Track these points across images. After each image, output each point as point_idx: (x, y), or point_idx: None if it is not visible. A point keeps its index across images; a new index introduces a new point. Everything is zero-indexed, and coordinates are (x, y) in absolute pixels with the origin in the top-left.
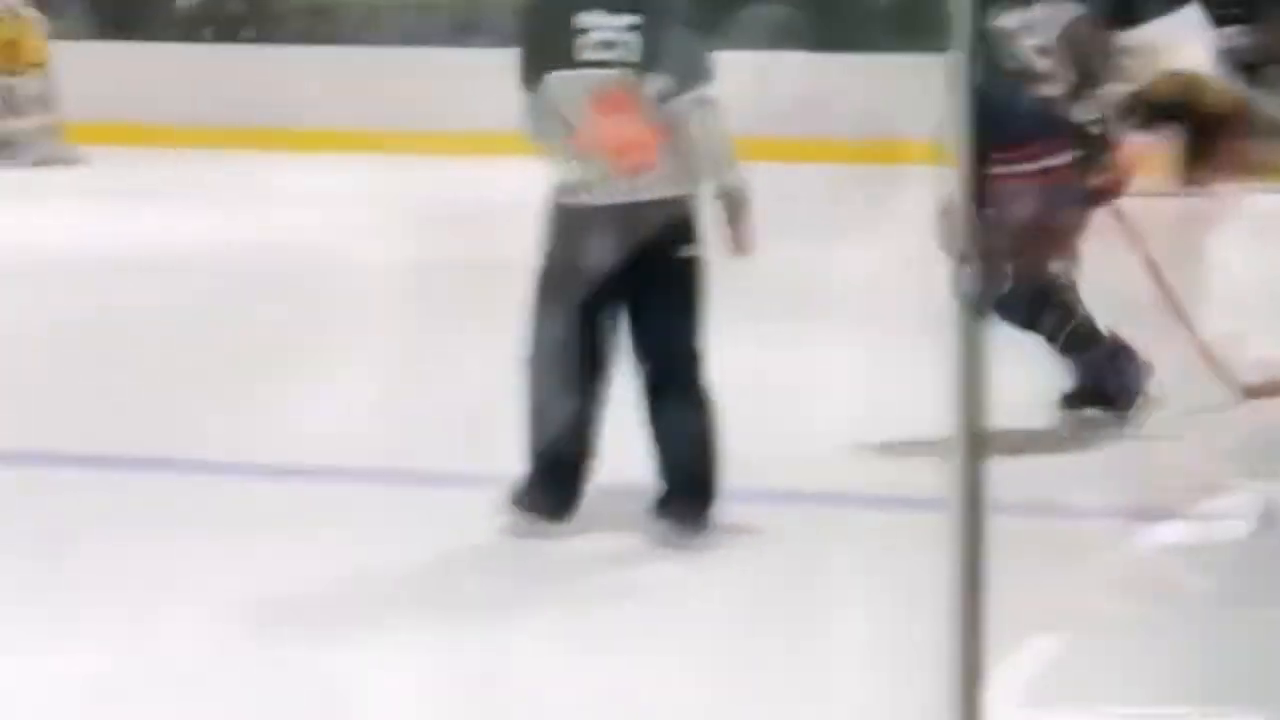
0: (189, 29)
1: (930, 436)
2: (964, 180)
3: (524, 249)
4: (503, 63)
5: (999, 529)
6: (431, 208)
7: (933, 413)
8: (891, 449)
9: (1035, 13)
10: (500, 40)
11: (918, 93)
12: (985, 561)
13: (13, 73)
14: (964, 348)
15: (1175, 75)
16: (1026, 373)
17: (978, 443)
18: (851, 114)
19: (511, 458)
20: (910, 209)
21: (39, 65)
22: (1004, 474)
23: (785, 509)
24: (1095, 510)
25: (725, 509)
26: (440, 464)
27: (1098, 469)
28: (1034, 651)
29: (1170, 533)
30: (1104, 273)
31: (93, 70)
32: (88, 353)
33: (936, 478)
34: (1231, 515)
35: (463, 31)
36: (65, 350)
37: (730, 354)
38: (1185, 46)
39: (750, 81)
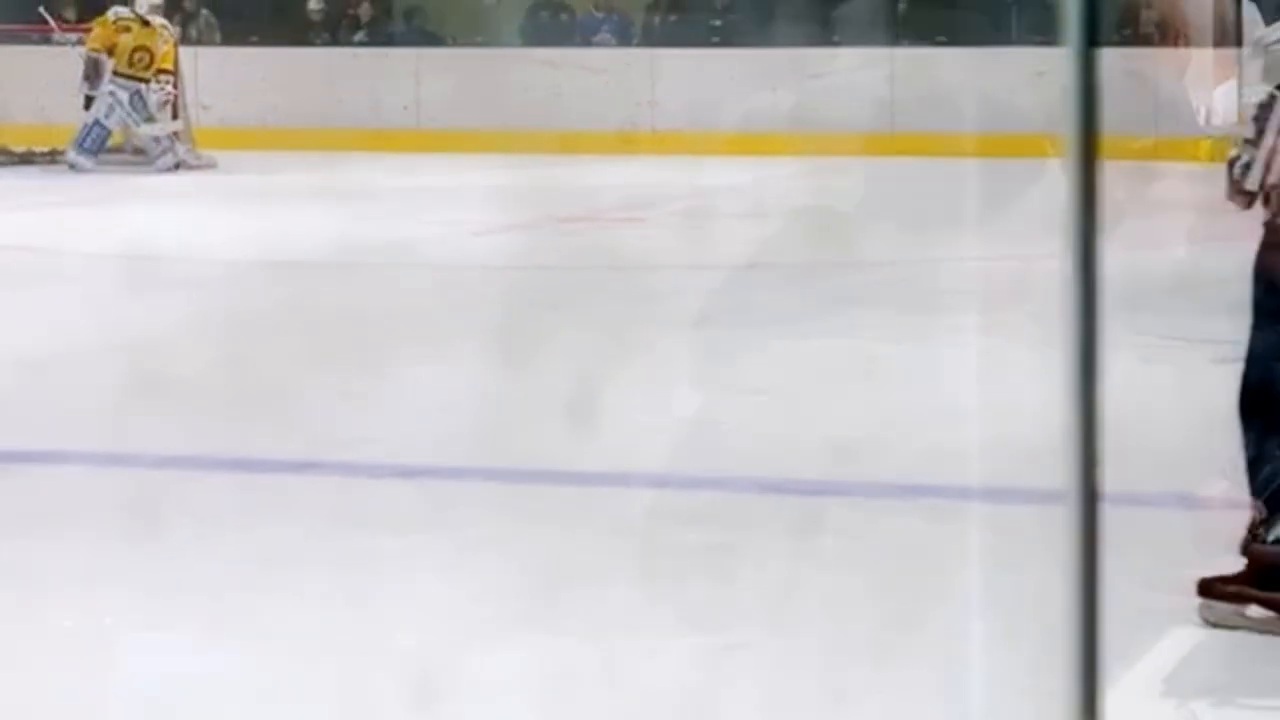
0: (317, 33)
1: (1050, 428)
2: (1077, 176)
3: (638, 250)
4: (622, 62)
5: (1127, 521)
6: (551, 207)
7: (1051, 405)
8: (1011, 441)
9: None
10: (621, 39)
11: (1044, 86)
12: (1101, 554)
13: (144, 79)
14: (1080, 339)
15: None
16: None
17: (1092, 431)
18: (973, 107)
19: (630, 457)
20: (1036, 204)
21: (169, 71)
22: (1134, 466)
23: (904, 501)
24: (1231, 501)
25: (839, 501)
26: (558, 464)
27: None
28: (1168, 645)
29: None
30: None
31: (222, 75)
32: (221, 352)
33: (1053, 469)
34: None
35: (583, 31)
36: (202, 350)
37: (847, 345)
38: None
39: (867, 76)
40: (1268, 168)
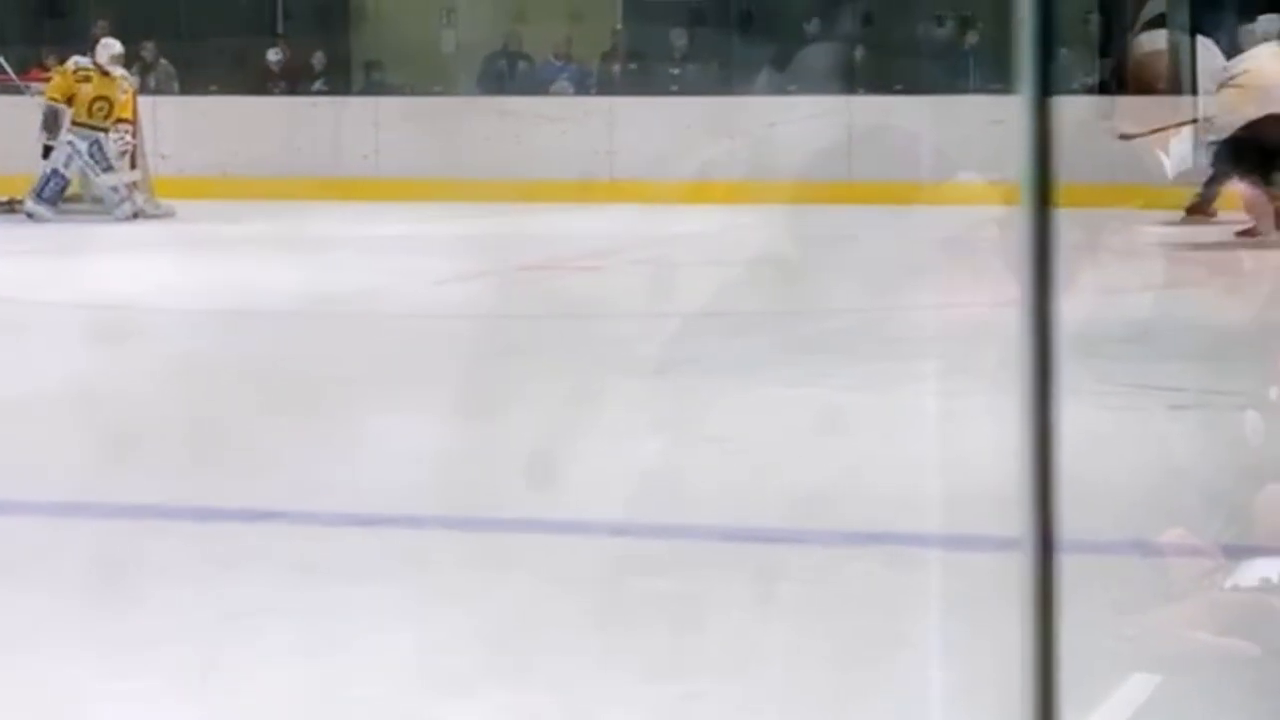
0: (275, 82)
1: (1007, 475)
2: (1032, 224)
3: (598, 298)
4: (581, 111)
5: (1085, 568)
6: (511, 256)
7: (1005, 450)
8: (970, 488)
9: None
10: (580, 88)
11: (1001, 134)
12: (1058, 601)
13: (103, 129)
14: (1036, 386)
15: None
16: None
17: (1048, 478)
18: (929, 155)
19: (589, 506)
20: (993, 251)
21: (128, 121)
22: (1092, 512)
23: (860, 549)
24: (1187, 548)
25: (799, 549)
26: (518, 512)
27: (1189, 507)
28: (1125, 693)
29: (1267, 569)
30: None
31: (181, 124)
32: (182, 402)
33: (1011, 516)
34: None
35: (542, 80)
36: (158, 399)
37: (805, 394)
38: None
39: (824, 125)
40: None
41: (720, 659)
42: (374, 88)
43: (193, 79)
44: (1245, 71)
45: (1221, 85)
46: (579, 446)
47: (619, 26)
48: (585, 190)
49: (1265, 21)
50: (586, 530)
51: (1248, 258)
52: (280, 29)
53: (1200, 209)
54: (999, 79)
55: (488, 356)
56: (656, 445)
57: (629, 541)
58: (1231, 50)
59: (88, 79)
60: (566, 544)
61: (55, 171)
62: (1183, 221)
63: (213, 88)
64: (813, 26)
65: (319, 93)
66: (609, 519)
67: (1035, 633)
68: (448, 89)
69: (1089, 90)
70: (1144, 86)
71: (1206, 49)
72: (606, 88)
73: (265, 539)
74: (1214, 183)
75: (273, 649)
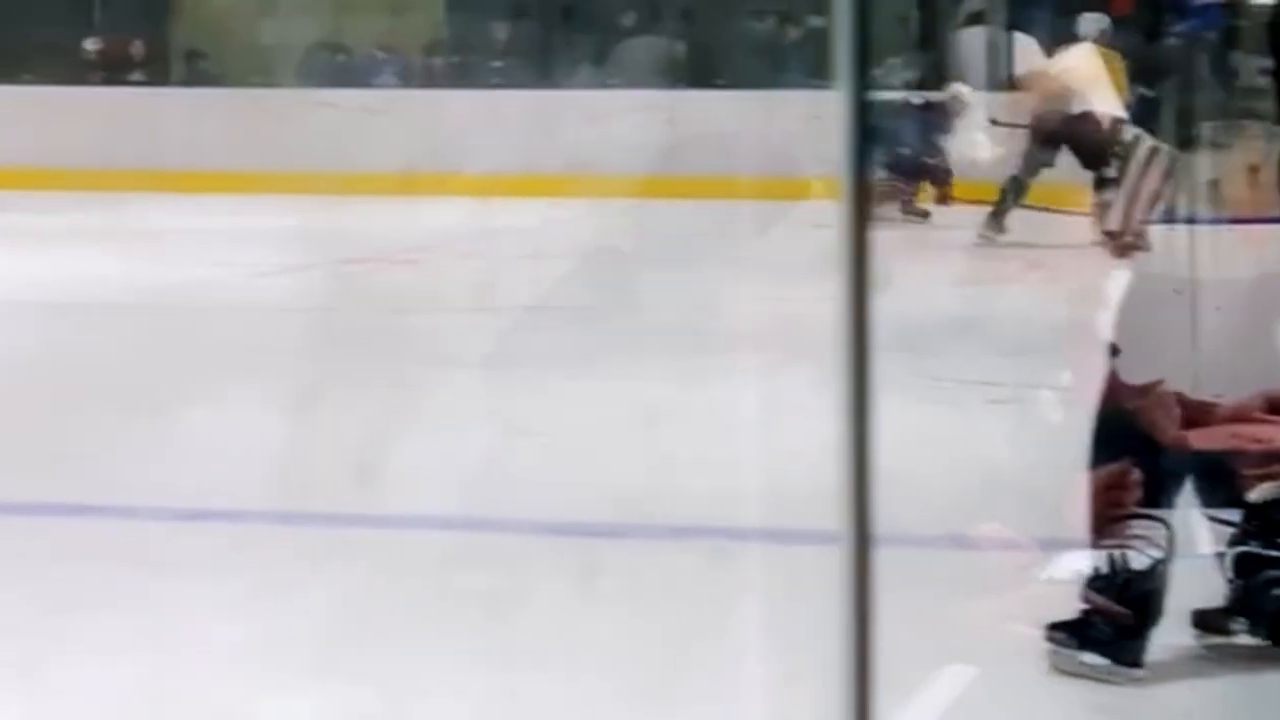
0: (93, 72)
1: (824, 469)
2: (849, 218)
3: (422, 292)
4: (403, 103)
5: (904, 561)
6: (333, 249)
7: (825, 445)
8: (787, 482)
9: None
10: (404, 81)
11: (816, 129)
12: (875, 595)
13: None
14: (853, 381)
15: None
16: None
17: (865, 474)
18: (750, 151)
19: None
20: (814, 246)
21: None
22: (911, 506)
23: (681, 544)
24: (1003, 541)
25: (623, 543)
26: (343, 506)
27: (1004, 501)
28: (943, 683)
29: (1079, 561)
30: None
31: None
32: None
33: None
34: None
35: (365, 73)
36: None
37: (627, 388)
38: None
39: (646, 119)
40: (1128, 211)
41: (544, 652)
42: (194, 78)
43: (7, 68)
44: (1063, 70)
45: (1037, 83)
46: (404, 441)
47: (441, 19)
48: (408, 184)
49: (1086, 22)
50: (412, 524)
51: (1066, 254)
52: (98, 18)
53: (1005, 206)
54: (821, 74)
55: (312, 350)
56: (481, 440)
57: (454, 535)
58: (1052, 48)
59: None
60: (392, 538)
61: None
62: (991, 215)
63: (27, 76)
64: (629, 20)
65: (138, 83)
66: (435, 513)
67: (852, 625)
68: (269, 80)
69: (909, 87)
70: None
71: (1025, 47)
72: (429, 81)
73: (88, 534)
74: (1022, 178)
75: (97, 644)
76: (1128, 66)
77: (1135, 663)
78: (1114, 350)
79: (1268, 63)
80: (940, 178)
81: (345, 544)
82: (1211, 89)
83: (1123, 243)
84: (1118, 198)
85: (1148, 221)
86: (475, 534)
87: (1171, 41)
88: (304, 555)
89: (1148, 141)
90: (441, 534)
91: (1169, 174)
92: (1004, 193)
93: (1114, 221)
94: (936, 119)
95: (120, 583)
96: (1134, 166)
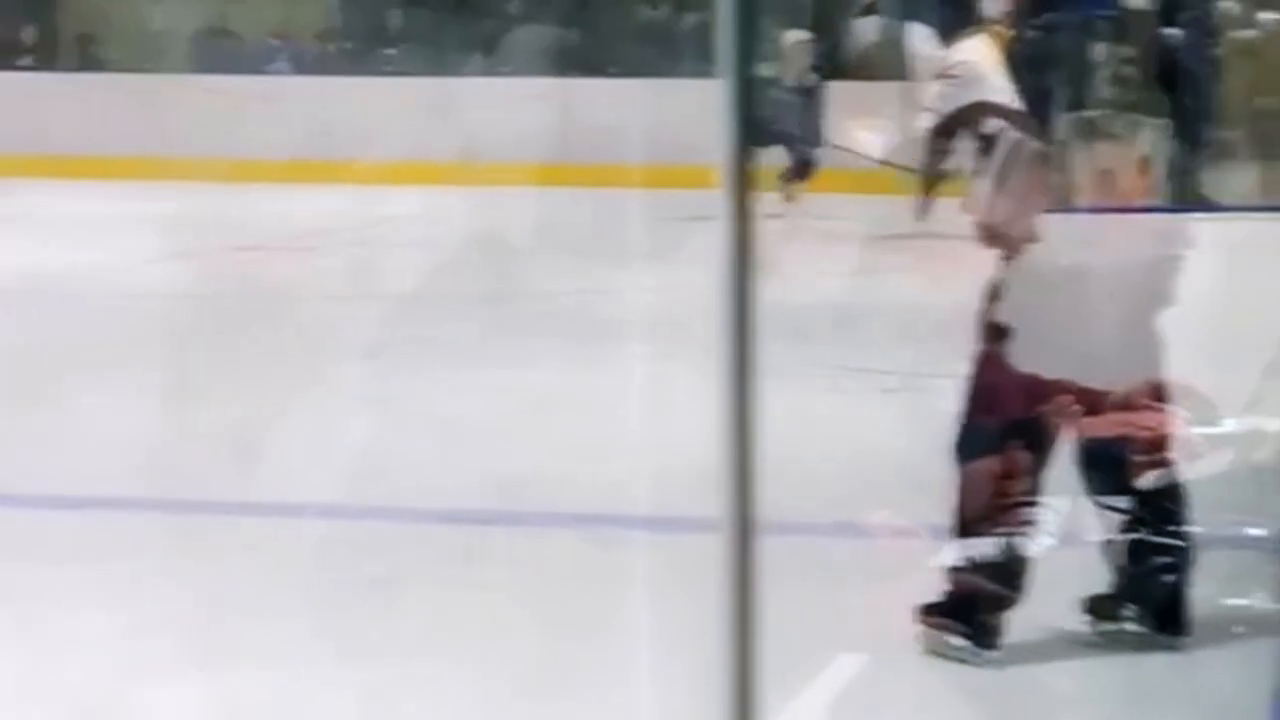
0: None
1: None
2: (732, 207)
3: (310, 280)
4: (295, 90)
5: (793, 549)
6: (222, 236)
7: (711, 432)
8: (674, 470)
9: None
10: (297, 68)
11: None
12: (758, 582)
13: None
14: (736, 369)
15: None
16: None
17: (748, 462)
18: (642, 139)
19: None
20: (704, 235)
21: None
22: (802, 494)
23: (566, 531)
24: (894, 529)
25: (507, 530)
26: (226, 494)
27: (895, 488)
28: (832, 671)
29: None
30: None
31: None
32: None
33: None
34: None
35: (258, 59)
36: None
37: (512, 376)
38: None
39: (538, 107)
40: (993, 203)
41: (428, 639)
42: (85, 63)
43: None
44: (961, 62)
45: (938, 75)
46: (289, 429)
47: (334, 6)
48: (298, 171)
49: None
50: (296, 512)
51: (960, 243)
52: None
53: (922, 195)
54: (713, 62)
55: (198, 338)
56: (367, 428)
57: (338, 524)
58: (948, 38)
59: None
60: (275, 526)
61: None
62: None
63: None
64: (516, 7)
65: (27, 68)
66: (318, 501)
67: (734, 612)
68: (159, 66)
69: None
70: (859, 72)
71: (922, 36)
72: (321, 68)
73: None
74: (926, 170)
75: None
76: (1018, 54)
77: (992, 645)
78: (1003, 334)
79: (1133, 52)
80: (803, 166)
81: (227, 531)
82: (1090, 79)
83: (995, 234)
84: (982, 189)
85: (1026, 214)
86: (358, 521)
87: (1060, 29)
88: (185, 543)
89: (1012, 134)
90: (325, 522)
91: (1036, 166)
92: (918, 183)
93: (979, 212)
94: (812, 106)
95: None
96: (997, 159)
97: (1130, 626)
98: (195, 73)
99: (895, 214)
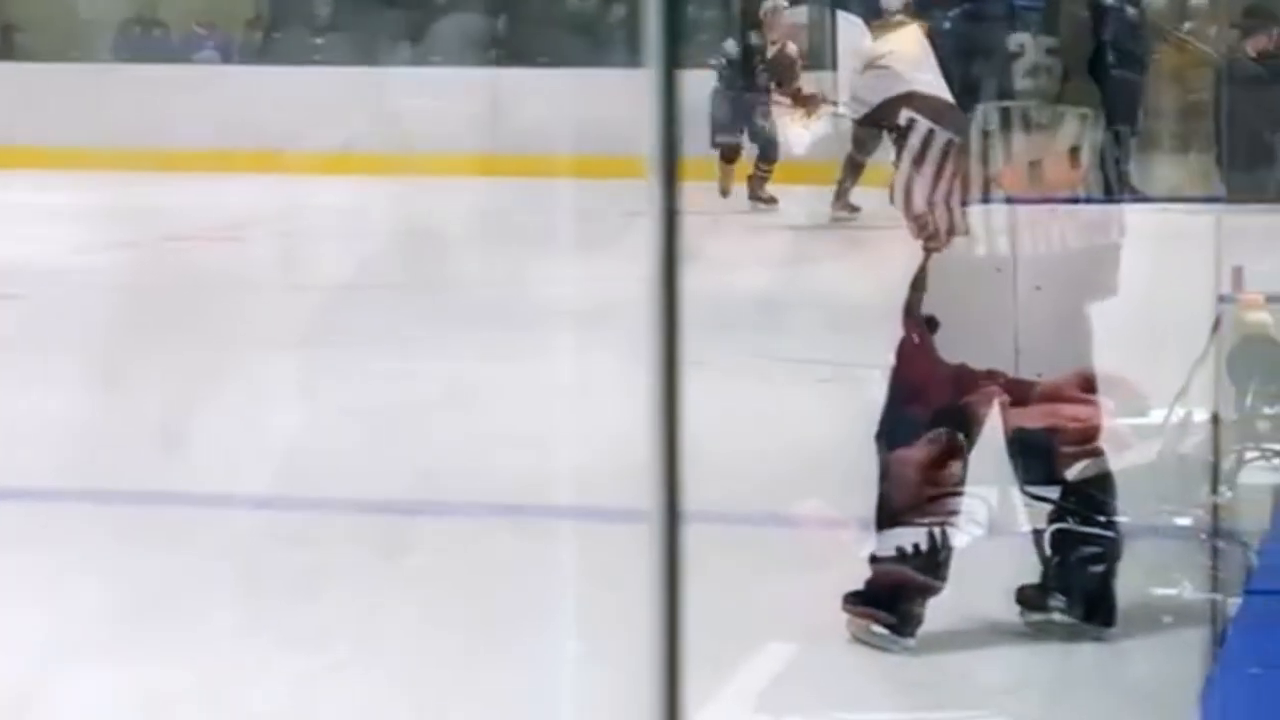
0: None
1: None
2: (658, 197)
3: (237, 269)
4: (222, 79)
5: (722, 539)
6: (149, 226)
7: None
8: (600, 460)
9: None
10: (226, 57)
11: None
12: (686, 572)
13: None
14: (663, 359)
15: None
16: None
17: (675, 451)
18: (570, 129)
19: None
20: (633, 226)
21: None
22: (730, 484)
23: (492, 522)
24: (823, 519)
25: (434, 521)
26: (152, 485)
27: (825, 478)
28: (759, 661)
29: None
30: None
31: None
32: None
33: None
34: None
35: (186, 48)
36: None
37: (439, 366)
38: None
39: (467, 97)
40: (907, 194)
41: (357, 630)
42: (9, 52)
43: None
44: (890, 53)
45: (867, 66)
46: (218, 419)
47: None
48: (225, 160)
49: None
50: (225, 503)
51: (890, 232)
52: None
53: (842, 193)
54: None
55: (126, 328)
56: (295, 418)
57: (267, 514)
58: (875, 28)
59: None
60: (204, 516)
61: None
62: (836, 196)
63: None
64: None
65: None
66: (247, 492)
67: (661, 603)
68: (85, 56)
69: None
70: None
71: (849, 25)
72: (249, 57)
73: None
74: (856, 157)
75: None
76: (943, 45)
77: (912, 633)
78: (931, 324)
79: (1054, 42)
80: (730, 156)
81: (153, 523)
82: (1017, 69)
83: (921, 224)
84: (900, 180)
85: (946, 205)
86: (284, 513)
87: (986, 19)
88: (111, 534)
89: (924, 125)
90: (256, 513)
91: (954, 157)
92: (843, 172)
93: (899, 202)
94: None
95: None
96: (910, 151)
97: (1058, 617)
98: (122, 62)
99: (825, 204)
